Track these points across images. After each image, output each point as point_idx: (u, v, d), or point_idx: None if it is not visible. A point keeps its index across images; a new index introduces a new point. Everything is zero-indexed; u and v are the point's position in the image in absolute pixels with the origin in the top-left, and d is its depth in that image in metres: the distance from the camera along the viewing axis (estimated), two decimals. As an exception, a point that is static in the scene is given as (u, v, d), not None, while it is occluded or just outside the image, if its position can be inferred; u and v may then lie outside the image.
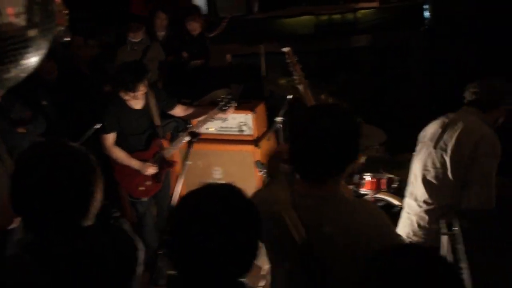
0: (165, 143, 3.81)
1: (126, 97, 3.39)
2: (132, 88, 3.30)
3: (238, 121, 4.13)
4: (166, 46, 5.02)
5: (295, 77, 3.16)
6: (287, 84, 3.97)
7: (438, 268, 1.16)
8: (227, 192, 1.39)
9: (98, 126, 3.45)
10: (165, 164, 3.70)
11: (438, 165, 2.76)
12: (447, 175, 2.71)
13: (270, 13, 6.28)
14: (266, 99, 4.59)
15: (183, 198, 1.41)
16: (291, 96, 3.66)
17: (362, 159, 3.64)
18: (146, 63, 4.23)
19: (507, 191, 3.28)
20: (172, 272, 1.37)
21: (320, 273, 1.61)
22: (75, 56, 4.82)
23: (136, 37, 4.76)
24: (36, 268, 1.41)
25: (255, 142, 4.10)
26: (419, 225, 2.86)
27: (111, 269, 1.53)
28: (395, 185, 3.68)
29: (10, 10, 1.91)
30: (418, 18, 5.36)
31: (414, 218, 2.88)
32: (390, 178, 3.60)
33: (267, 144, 4.23)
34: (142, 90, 3.34)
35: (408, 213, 2.94)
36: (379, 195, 3.54)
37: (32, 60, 2.08)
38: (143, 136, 3.62)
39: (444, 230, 2.49)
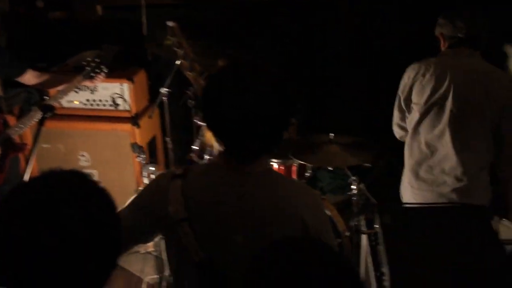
0: (11, 120, 3.62)
1: None
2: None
3: (111, 92, 4.09)
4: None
5: (183, 61, 3.11)
6: (174, 46, 3.89)
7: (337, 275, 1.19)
8: (71, 182, 1.32)
9: None
10: (10, 148, 3.47)
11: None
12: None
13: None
14: (148, 65, 4.55)
15: (10, 192, 1.31)
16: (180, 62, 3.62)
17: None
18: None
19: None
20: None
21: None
22: None
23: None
24: None
25: (133, 119, 4.04)
26: None
27: None
28: (308, 174, 3.75)
29: None
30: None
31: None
32: (302, 165, 3.66)
33: (149, 123, 4.15)
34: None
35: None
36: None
37: None
38: (-22, 110, 3.41)
39: (363, 228, 2.57)
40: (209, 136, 3.47)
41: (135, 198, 1.96)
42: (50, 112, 3.15)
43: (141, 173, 3.51)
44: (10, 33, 4.70)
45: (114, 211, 1.36)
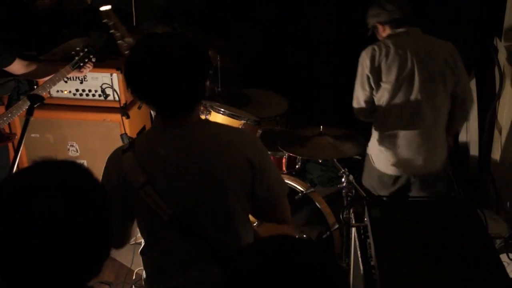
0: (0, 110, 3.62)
1: None
2: None
3: (101, 82, 4.03)
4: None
5: (119, 42, 3.13)
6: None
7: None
8: (65, 172, 1.31)
9: None
10: (-1, 138, 3.50)
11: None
12: None
13: None
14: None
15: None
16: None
17: (258, 133, 3.67)
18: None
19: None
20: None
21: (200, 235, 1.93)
22: None
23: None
24: None
25: (123, 110, 4.00)
26: None
27: None
28: (298, 166, 3.76)
29: None
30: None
31: None
32: (292, 157, 3.66)
33: (139, 114, 4.13)
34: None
35: None
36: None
37: None
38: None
39: (352, 220, 2.57)
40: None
41: None
42: (39, 101, 3.15)
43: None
44: (-3, 22, 4.66)
45: (106, 198, 1.35)
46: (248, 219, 2.14)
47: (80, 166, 1.35)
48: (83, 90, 4.07)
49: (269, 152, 3.51)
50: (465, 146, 4.35)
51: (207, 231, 1.96)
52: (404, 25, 3.25)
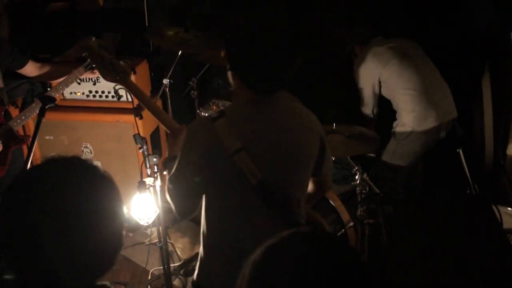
0: (13, 112, 3.65)
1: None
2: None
3: (114, 84, 4.00)
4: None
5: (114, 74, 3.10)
6: (176, 36, 3.89)
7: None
8: (75, 167, 1.35)
9: None
10: (12, 140, 3.53)
11: None
12: None
13: None
14: (151, 56, 4.53)
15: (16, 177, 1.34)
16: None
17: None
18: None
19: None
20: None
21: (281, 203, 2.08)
22: None
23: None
24: None
25: (136, 111, 3.99)
26: None
27: None
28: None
29: None
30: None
31: None
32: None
33: (151, 114, 4.14)
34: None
35: None
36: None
37: None
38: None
39: (366, 218, 2.59)
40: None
41: (181, 160, 2.12)
42: (51, 103, 3.16)
43: (144, 164, 3.52)
44: (11, 24, 4.69)
45: (119, 197, 1.37)
46: None
47: (86, 161, 1.38)
48: (96, 92, 4.08)
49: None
50: (481, 142, 4.33)
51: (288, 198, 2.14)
52: (376, 37, 4.02)
